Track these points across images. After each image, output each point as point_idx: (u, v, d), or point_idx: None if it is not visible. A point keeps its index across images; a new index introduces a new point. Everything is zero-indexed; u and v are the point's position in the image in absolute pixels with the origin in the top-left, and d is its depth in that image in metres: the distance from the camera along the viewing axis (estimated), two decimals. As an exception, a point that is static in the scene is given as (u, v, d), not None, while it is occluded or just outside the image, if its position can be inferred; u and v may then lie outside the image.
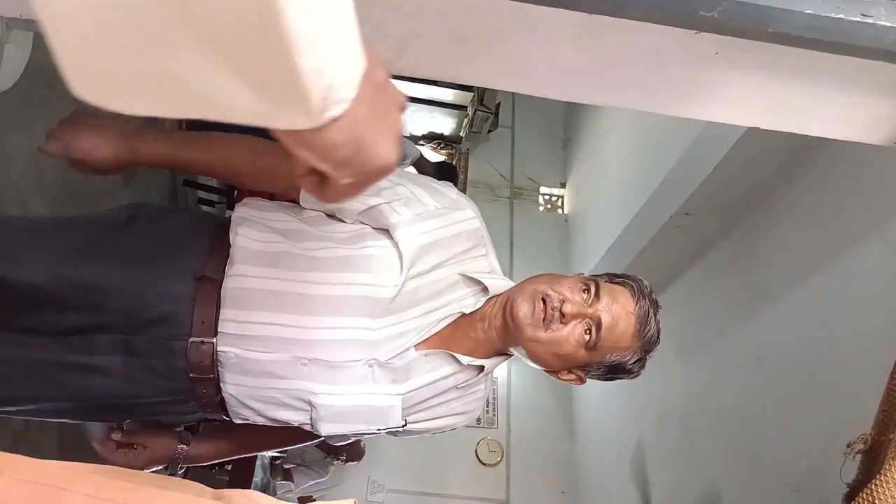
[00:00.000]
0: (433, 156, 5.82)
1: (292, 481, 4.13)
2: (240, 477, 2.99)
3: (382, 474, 4.81)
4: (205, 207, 4.21)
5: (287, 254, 1.04)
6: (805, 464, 2.28)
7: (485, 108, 5.70)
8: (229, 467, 3.40)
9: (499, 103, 5.67)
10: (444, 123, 6.24)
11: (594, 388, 4.78)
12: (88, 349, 1.04)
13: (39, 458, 2.09)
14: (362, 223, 1.10)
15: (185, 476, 3.67)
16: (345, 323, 1.02)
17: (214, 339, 1.02)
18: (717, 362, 3.11)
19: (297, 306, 1.01)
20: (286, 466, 4.39)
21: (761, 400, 2.67)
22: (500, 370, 5.26)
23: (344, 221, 1.11)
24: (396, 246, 1.05)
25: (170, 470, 1.29)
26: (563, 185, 6.18)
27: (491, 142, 6.19)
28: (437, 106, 5.90)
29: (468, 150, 6.24)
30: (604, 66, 0.91)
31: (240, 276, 1.03)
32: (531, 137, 6.22)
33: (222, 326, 1.02)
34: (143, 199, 3.23)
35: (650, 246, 3.46)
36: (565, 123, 6.25)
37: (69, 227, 1.11)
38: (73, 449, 2.67)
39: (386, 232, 1.08)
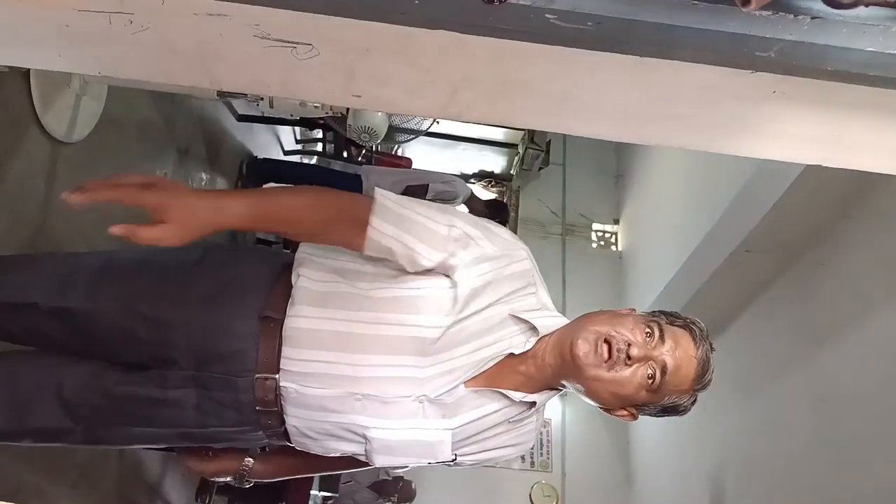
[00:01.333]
0: (484, 194, 5.85)
1: (343, 521, 4.11)
2: (292, 516, 3.00)
3: (433, 515, 4.74)
4: (262, 247, 4.33)
5: (343, 294, 1.09)
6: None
7: (535, 146, 5.72)
8: (282, 505, 3.41)
9: (549, 141, 5.69)
10: (495, 161, 6.27)
11: (652, 431, 4.63)
12: (163, 383, 1.12)
13: (99, 490, 2.18)
14: None
15: (239, 514, 3.68)
16: (395, 361, 1.07)
17: (277, 376, 1.08)
18: (780, 404, 2.97)
19: (351, 345, 1.07)
20: (338, 506, 4.37)
21: (827, 444, 2.53)
22: (555, 412, 5.14)
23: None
24: (455, 286, 1.07)
25: (237, 482, 1.36)
26: (616, 222, 6.11)
27: (542, 179, 6.18)
28: (488, 144, 5.95)
29: (519, 187, 6.26)
30: (655, 107, 0.90)
31: (298, 317, 1.09)
32: (582, 174, 6.19)
33: (284, 364, 1.08)
34: (203, 241, 3.35)
35: (709, 284, 3.37)
36: (617, 159, 6.20)
37: (144, 264, 1.18)
38: (131, 483, 2.73)
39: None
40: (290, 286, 1.12)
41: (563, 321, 1.17)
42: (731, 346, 3.56)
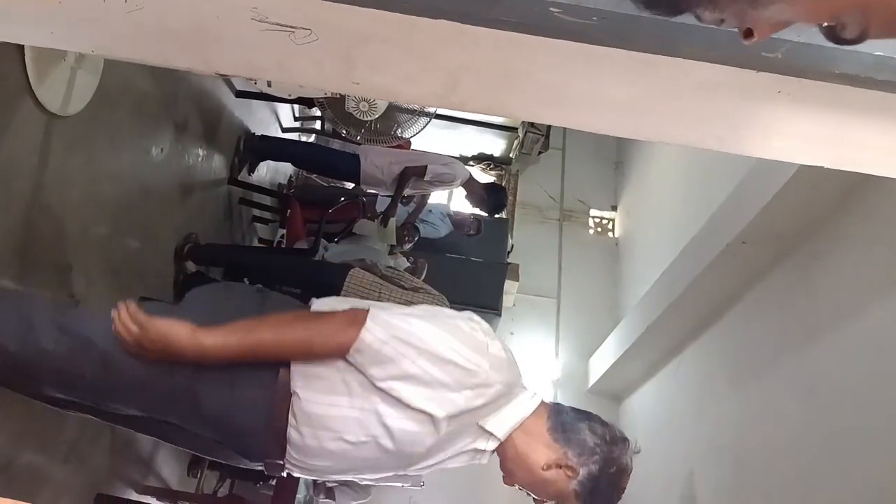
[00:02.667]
0: (483, 177, 5.82)
1: (334, 500, 4.15)
2: (283, 494, 3.02)
3: (423, 496, 4.78)
4: (258, 225, 4.31)
5: (341, 418, 1.20)
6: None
7: (535, 131, 5.68)
8: (273, 482, 3.43)
9: (549, 126, 5.66)
10: (495, 144, 6.24)
11: (642, 418, 4.66)
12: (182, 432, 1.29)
13: (91, 465, 2.21)
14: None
15: (230, 490, 3.70)
16: (382, 473, 1.29)
17: (283, 461, 1.25)
18: (770, 394, 2.99)
19: (346, 460, 1.23)
20: (329, 485, 4.40)
21: (815, 434, 2.55)
22: (547, 395, 5.18)
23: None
24: (435, 424, 1.18)
25: None
26: (614, 208, 6.09)
27: (541, 163, 6.15)
28: (488, 127, 5.92)
29: (518, 171, 6.22)
30: (659, 104, 0.89)
31: (302, 436, 1.21)
32: (582, 159, 6.16)
33: (289, 456, 1.24)
34: (199, 218, 3.32)
35: (704, 274, 3.36)
36: (617, 146, 6.17)
37: (147, 374, 1.22)
38: (123, 458, 2.74)
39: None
40: (289, 390, 1.19)
41: (527, 407, 1.25)
42: (724, 336, 3.57)
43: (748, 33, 0.48)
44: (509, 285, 5.06)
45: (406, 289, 2.80)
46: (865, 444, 2.24)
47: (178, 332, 1.13)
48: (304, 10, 0.83)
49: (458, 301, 4.01)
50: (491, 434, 1.23)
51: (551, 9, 0.71)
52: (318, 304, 1.29)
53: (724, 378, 3.49)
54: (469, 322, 1.23)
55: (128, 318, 1.14)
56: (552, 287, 5.61)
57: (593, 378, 5.00)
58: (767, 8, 0.46)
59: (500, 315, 4.87)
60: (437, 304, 2.71)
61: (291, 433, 1.21)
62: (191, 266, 3.08)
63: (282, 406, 1.20)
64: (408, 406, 1.17)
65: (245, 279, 3.35)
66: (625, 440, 1.29)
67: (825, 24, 0.46)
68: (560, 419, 1.27)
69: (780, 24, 0.48)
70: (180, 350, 1.13)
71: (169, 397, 1.21)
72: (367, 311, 1.16)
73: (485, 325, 1.25)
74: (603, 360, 4.82)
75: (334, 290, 2.69)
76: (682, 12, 0.49)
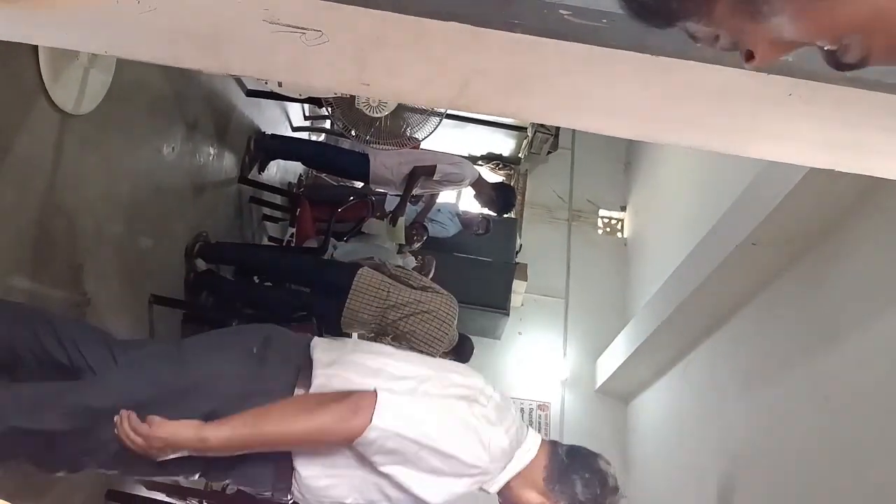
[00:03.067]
0: (492, 176, 5.82)
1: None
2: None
3: (431, 495, 4.78)
4: (268, 223, 4.33)
5: (343, 484, 1.28)
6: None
7: (544, 130, 5.67)
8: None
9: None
10: (504, 144, 6.23)
11: (652, 421, 4.65)
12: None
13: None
14: None
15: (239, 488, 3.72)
16: None
17: (289, 497, 1.36)
18: (782, 399, 2.97)
19: None
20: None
21: (827, 442, 2.54)
22: (555, 397, 5.17)
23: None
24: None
25: None
26: (623, 209, 6.07)
27: (550, 163, 6.14)
28: (497, 127, 5.91)
29: (527, 171, 6.22)
30: (669, 106, 0.89)
31: (304, 497, 1.32)
32: (591, 159, 6.14)
33: (296, 497, 1.34)
34: (209, 217, 3.33)
35: (714, 275, 3.35)
36: (627, 146, 6.15)
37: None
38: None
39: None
40: (291, 465, 1.28)
41: (523, 461, 1.30)
42: (734, 338, 3.56)
43: (749, 55, 0.46)
44: (517, 285, 5.05)
45: (415, 288, 2.80)
46: (879, 451, 2.22)
47: (183, 434, 1.20)
48: (314, 11, 0.84)
49: (467, 301, 4.01)
50: (485, 491, 1.32)
51: (561, 11, 0.72)
52: (321, 377, 1.32)
53: (733, 381, 3.47)
54: (474, 408, 1.26)
55: (130, 431, 1.19)
56: (560, 287, 5.60)
57: (601, 378, 4.99)
58: (769, 21, 0.43)
59: (507, 315, 4.87)
60: (445, 305, 2.71)
61: (295, 492, 1.32)
62: (201, 264, 3.10)
63: (285, 474, 1.30)
64: (407, 490, 1.24)
65: (255, 277, 3.38)
66: (616, 490, 1.32)
67: (826, 47, 0.45)
68: (556, 466, 1.31)
69: (782, 47, 0.46)
70: (187, 447, 1.21)
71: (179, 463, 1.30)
72: (374, 396, 1.20)
73: (491, 406, 1.28)
74: (611, 360, 4.81)
75: (343, 289, 2.70)
76: (673, 24, 0.47)
